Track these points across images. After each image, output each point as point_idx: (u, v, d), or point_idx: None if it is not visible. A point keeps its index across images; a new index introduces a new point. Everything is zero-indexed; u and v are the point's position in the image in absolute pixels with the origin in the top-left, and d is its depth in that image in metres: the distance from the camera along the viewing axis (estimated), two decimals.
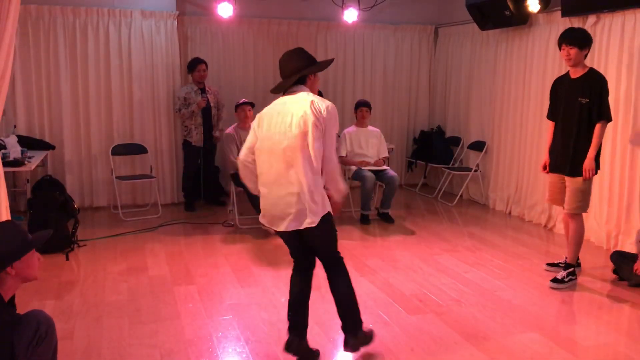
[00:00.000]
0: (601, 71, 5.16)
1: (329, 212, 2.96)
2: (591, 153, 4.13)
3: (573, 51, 4.09)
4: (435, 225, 6.04)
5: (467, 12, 6.61)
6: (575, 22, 5.43)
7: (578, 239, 4.31)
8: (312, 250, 3.07)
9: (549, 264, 4.64)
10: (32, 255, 2.25)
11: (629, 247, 4.87)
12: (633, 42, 4.91)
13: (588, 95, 4.09)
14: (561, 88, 4.33)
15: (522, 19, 6.03)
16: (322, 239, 3.02)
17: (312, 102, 2.86)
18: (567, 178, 4.28)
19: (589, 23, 5.29)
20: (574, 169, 4.20)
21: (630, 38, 4.93)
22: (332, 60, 3.15)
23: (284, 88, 2.97)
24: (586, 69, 4.18)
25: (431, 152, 7.58)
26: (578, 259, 4.54)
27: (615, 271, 4.43)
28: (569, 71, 4.27)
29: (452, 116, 7.71)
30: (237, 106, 5.88)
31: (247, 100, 5.92)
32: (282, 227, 2.92)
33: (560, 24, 5.49)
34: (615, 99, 5.07)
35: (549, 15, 5.83)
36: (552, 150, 4.41)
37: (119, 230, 5.66)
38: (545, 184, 4.92)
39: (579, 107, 4.13)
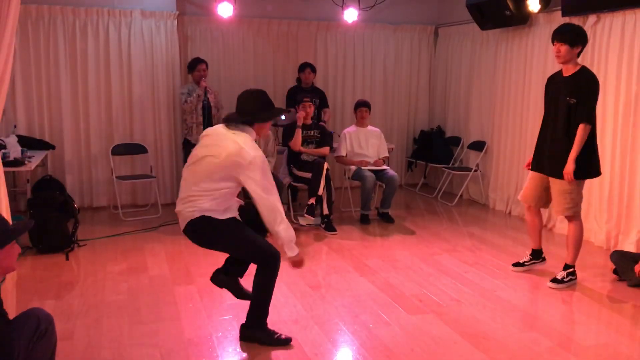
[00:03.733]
0: (601, 71, 5.19)
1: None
2: (571, 156, 4.02)
3: (564, 48, 4.00)
4: (435, 225, 6.04)
5: (467, 12, 6.61)
6: (575, 22, 5.41)
7: (577, 242, 4.24)
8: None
9: (514, 264, 4.63)
10: (12, 245, 2.23)
11: (629, 247, 4.87)
12: (633, 42, 4.91)
13: (576, 95, 4.01)
14: (552, 86, 4.27)
15: (522, 18, 6.03)
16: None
17: (236, 145, 3.09)
18: (552, 179, 4.21)
19: (589, 23, 5.29)
20: (558, 171, 4.11)
21: (630, 38, 4.93)
22: (283, 111, 3.72)
23: (234, 122, 3.21)
24: (577, 68, 4.07)
25: (431, 152, 7.58)
26: (542, 252, 4.60)
27: (615, 271, 4.43)
28: (562, 69, 4.18)
29: (452, 116, 7.71)
30: None
31: None
32: None
33: (561, 23, 5.49)
34: (615, 99, 5.08)
35: (549, 15, 5.83)
36: (538, 149, 4.34)
37: (119, 230, 5.66)
38: None
39: (567, 107, 4.05)
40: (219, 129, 3.23)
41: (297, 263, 3.25)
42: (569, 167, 4.03)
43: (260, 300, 3.27)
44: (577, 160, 4.03)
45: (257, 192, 3.05)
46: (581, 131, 4.01)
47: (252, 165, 3.03)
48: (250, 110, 3.20)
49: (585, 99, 4.01)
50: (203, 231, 3.18)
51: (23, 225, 2.39)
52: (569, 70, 4.10)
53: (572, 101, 4.02)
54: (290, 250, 3.17)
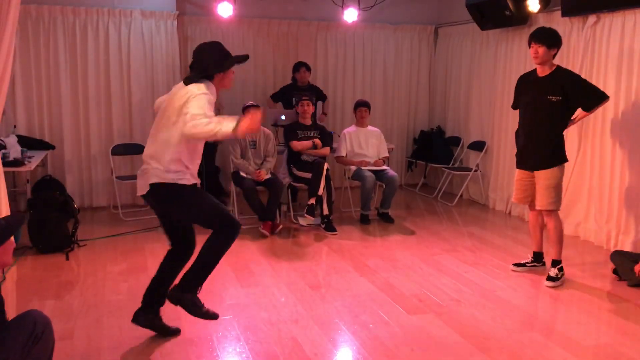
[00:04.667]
0: (601, 71, 5.20)
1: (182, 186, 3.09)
2: (579, 118, 4.35)
3: (541, 50, 4.13)
4: (435, 225, 6.04)
5: (467, 12, 6.60)
6: (575, 22, 5.44)
7: (559, 236, 4.34)
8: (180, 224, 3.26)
9: (515, 264, 4.66)
10: (8, 241, 2.24)
11: (629, 247, 4.87)
12: (633, 42, 4.91)
13: (560, 93, 4.13)
14: (526, 85, 4.37)
15: (522, 18, 6.02)
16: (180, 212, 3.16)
17: (187, 92, 3.00)
18: (537, 174, 4.31)
19: (589, 23, 5.30)
20: (542, 163, 4.25)
21: (630, 38, 4.93)
22: (243, 57, 3.21)
23: (192, 81, 3.08)
24: (553, 67, 4.21)
25: (431, 152, 7.58)
26: (543, 257, 4.64)
27: (615, 271, 4.43)
28: (536, 69, 4.30)
29: (452, 116, 7.71)
30: (244, 108, 5.84)
31: (254, 103, 5.84)
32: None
33: (560, 23, 5.50)
34: (615, 99, 5.08)
35: (549, 15, 5.82)
36: (519, 148, 4.45)
37: (119, 230, 5.66)
38: None
39: (549, 105, 4.16)
40: (176, 87, 3.15)
41: (247, 122, 2.95)
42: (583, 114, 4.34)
43: (204, 264, 3.17)
44: (553, 147, 4.22)
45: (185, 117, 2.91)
46: (598, 107, 4.26)
47: (193, 97, 2.93)
48: (206, 64, 3.09)
49: (582, 87, 4.18)
50: (166, 195, 3.11)
51: (17, 221, 2.37)
52: (544, 71, 4.24)
53: (554, 99, 4.14)
54: (231, 121, 2.88)
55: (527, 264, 4.63)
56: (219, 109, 6.55)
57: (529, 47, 4.25)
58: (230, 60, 3.17)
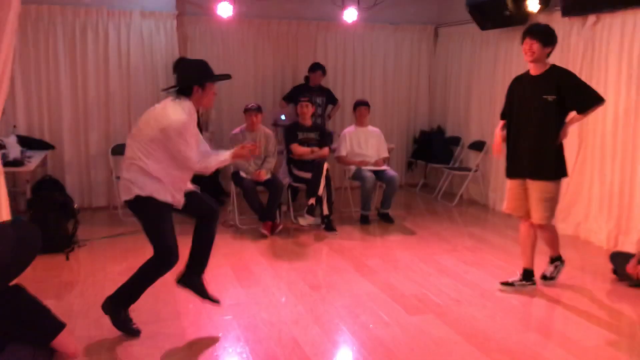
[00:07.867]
0: (601, 71, 5.20)
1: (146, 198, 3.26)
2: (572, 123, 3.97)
3: (535, 46, 3.86)
4: (435, 225, 6.04)
5: (467, 12, 6.60)
6: (575, 22, 5.44)
7: (553, 242, 4.20)
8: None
9: (503, 283, 4.23)
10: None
11: (629, 247, 4.87)
12: (633, 42, 4.91)
13: (555, 92, 3.87)
14: (520, 86, 4.07)
15: (522, 18, 6.02)
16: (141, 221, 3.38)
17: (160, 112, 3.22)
18: (531, 184, 4.00)
19: (589, 23, 5.30)
20: (540, 172, 3.95)
21: (630, 38, 4.93)
22: (224, 75, 3.36)
23: (170, 92, 3.28)
24: (548, 66, 3.95)
25: (431, 152, 7.58)
26: (533, 275, 4.26)
27: (615, 271, 4.43)
28: (528, 70, 4.04)
29: (452, 116, 7.71)
30: (245, 110, 5.84)
31: (255, 106, 5.84)
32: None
33: (560, 23, 5.50)
34: (615, 99, 5.08)
35: (549, 15, 5.82)
36: (512, 154, 4.12)
37: (119, 230, 5.65)
38: None
39: (544, 106, 3.90)
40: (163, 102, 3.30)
41: (237, 154, 3.38)
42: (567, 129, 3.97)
43: (134, 282, 3.36)
44: (553, 159, 3.95)
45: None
46: (593, 111, 3.95)
47: (167, 130, 3.11)
48: (186, 75, 3.20)
49: (578, 86, 3.91)
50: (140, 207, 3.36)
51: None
52: (538, 69, 3.96)
53: (550, 98, 3.89)
54: (224, 157, 3.35)
55: (515, 283, 4.21)
56: (207, 117, 6.50)
57: (522, 43, 3.97)
58: (211, 76, 3.24)
